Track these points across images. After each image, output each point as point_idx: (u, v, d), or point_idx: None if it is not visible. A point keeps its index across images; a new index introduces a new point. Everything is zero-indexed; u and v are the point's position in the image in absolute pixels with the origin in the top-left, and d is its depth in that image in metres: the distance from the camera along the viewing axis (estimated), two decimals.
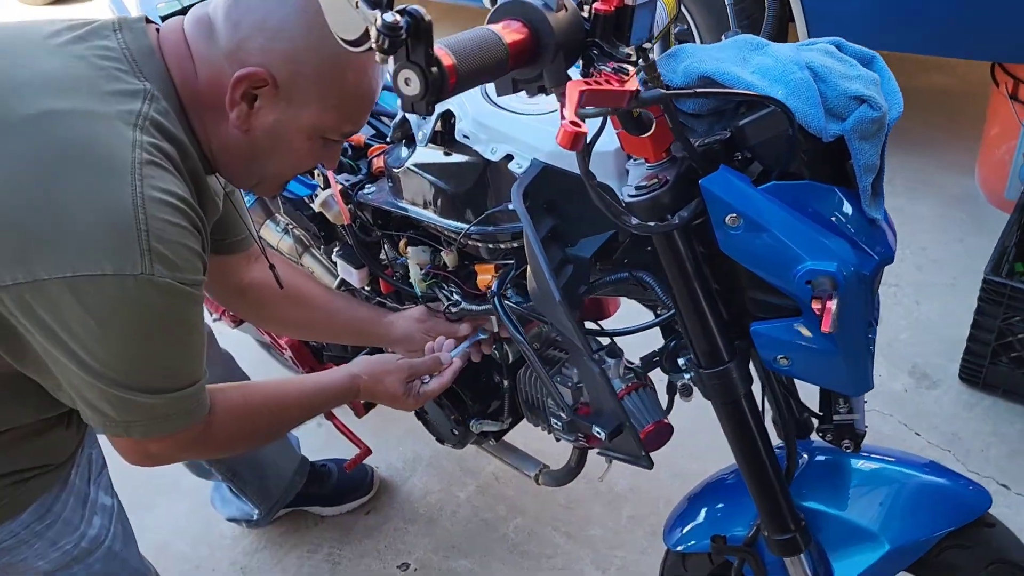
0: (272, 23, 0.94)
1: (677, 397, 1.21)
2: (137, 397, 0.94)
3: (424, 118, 1.25)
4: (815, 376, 1.02)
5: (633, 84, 0.74)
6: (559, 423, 1.42)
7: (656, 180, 0.93)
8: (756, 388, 1.06)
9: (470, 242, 1.24)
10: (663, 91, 0.76)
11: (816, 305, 0.87)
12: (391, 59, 0.60)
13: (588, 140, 0.83)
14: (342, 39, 0.62)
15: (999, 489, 1.76)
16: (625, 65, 0.78)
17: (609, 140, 1.07)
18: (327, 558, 1.89)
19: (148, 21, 1.02)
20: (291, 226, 1.75)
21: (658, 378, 1.22)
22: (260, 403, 1.18)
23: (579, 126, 0.65)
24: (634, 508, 1.88)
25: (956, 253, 2.31)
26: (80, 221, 0.85)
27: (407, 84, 0.61)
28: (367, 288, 1.58)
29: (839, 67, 0.90)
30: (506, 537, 1.87)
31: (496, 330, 1.41)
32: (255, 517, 1.87)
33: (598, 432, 1.14)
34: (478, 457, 2.06)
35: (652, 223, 0.89)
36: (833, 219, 0.92)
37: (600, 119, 0.85)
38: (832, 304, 0.86)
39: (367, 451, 1.74)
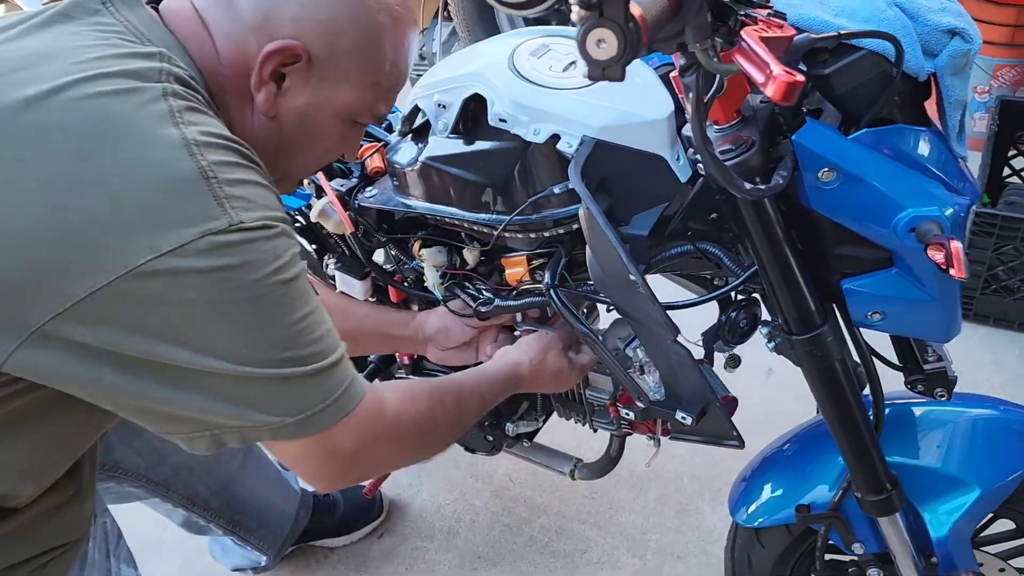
0: None
1: None
2: (295, 370, 0.78)
3: (442, 108, 1.15)
4: (908, 327, 0.99)
5: (790, 30, 0.67)
6: (603, 413, 1.36)
7: (742, 142, 0.88)
8: None
9: (506, 235, 1.15)
10: (811, 35, 0.70)
11: (934, 252, 0.83)
12: (578, 18, 0.51)
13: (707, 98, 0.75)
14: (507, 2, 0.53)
15: None
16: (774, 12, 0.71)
17: (661, 104, 1.02)
18: None
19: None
20: None
21: None
22: (429, 390, 1.02)
23: (793, 75, 0.58)
24: (659, 489, 1.84)
25: None
26: (138, 192, 0.71)
27: (600, 46, 0.53)
28: (371, 300, 1.47)
29: (924, 0, 0.86)
30: (533, 539, 1.80)
31: (530, 326, 1.33)
32: (263, 563, 1.74)
33: (683, 417, 1.08)
34: (487, 461, 1.97)
35: (762, 187, 0.83)
36: (926, 161, 0.89)
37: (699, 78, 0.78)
38: (956, 245, 0.81)
39: (387, 472, 1.63)
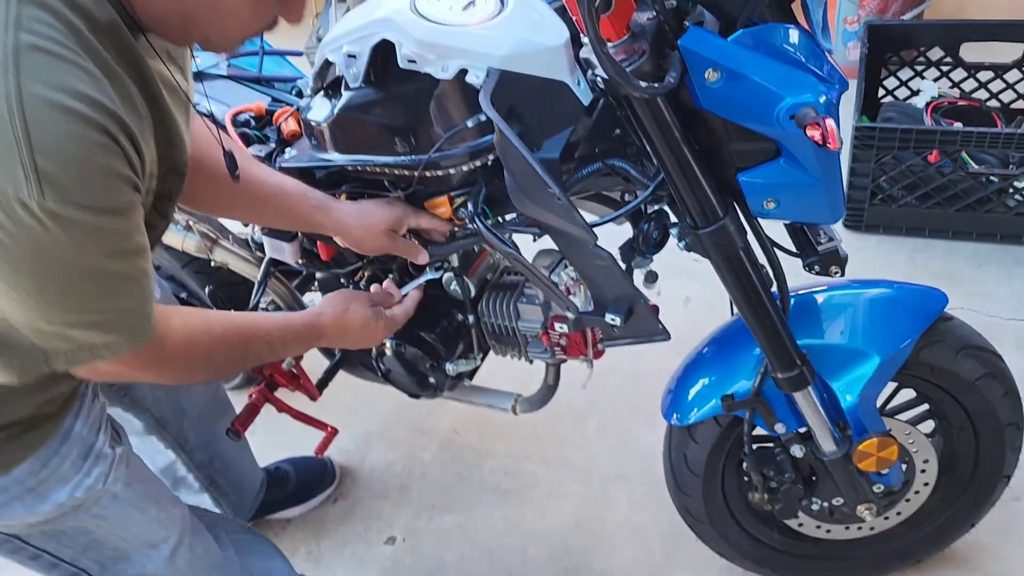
0: None
1: None
2: (59, 330, 0.82)
3: (352, 58, 1.19)
4: (800, 212, 1.09)
5: None
6: (536, 343, 1.43)
7: (634, 52, 0.96)
8: None
9: (427, 174, 1.21)
10: None
11: (812, 131, 0.92)
12: None
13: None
14: None
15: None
16: None
17: (557, 32, 1.09)
18: (307, 557, 1.80)
19: None
20: (192, 221, 1.63)
21: None
22: (222, 332, 1.08)
23: None
24: (598, 419, 1.93)
25: None
26: None
27: None
28: (301, 261, 1.50)
29: None
30: (483, 482, 1.87)
31: (456, 264, 1.39)
32: None
33: (612, 319, 1.16)
34: (430, 416, 2.03)
35: (656, 85, 0.91)
36: (797, 55, 0.98)
37: None
38: (830, 121, 0.91)
39: (334, 431, 1.66)
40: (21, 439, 0.98)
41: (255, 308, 1.60)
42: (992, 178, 1.93)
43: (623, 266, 1.23)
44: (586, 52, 1.02)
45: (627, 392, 1.96)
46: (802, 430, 1.27)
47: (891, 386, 1.38)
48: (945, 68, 2.21)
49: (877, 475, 1.28)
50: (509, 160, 1.08)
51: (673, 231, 1.13)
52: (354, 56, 1.19)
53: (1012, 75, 2.16)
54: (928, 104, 2.11)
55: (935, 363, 1.25)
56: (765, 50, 0.97)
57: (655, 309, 1.27)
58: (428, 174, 1.21)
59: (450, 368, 1.49)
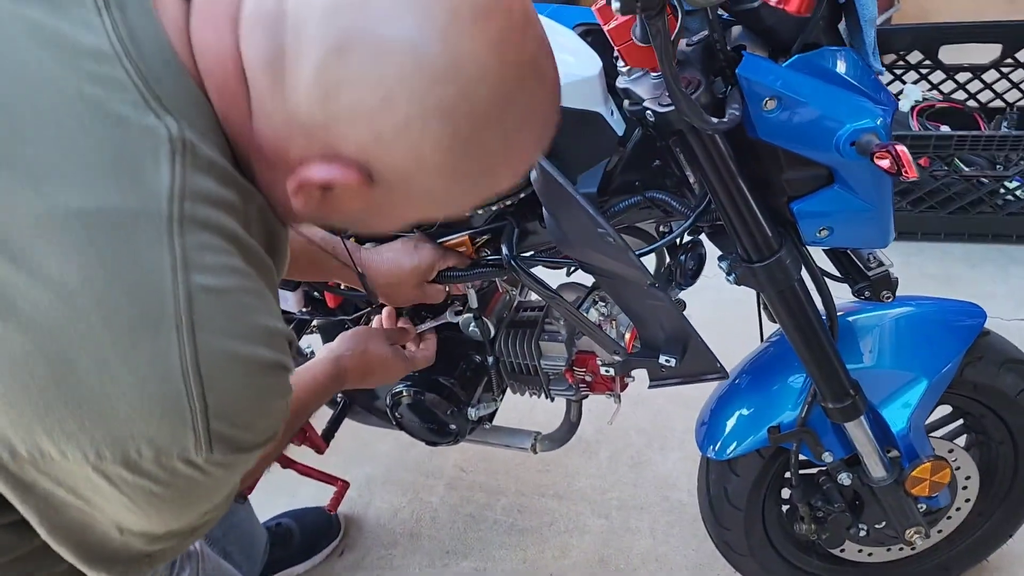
0: (386, 101, 0.57)
1: None
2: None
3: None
4: (852, 238, 1.05)
5: None
6: (559, 380, 1.37)
7: (688, 83, 0.91)
8: None
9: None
10: None
11: (880, 160, 0.89)
12: None
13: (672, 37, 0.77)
14: None
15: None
16: None
17: (591, 61, 1.03)
18: None
19: None
20: None
21: None
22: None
23: None
24: (609, 448, 1.88)
25: None
26: (108, 396, 0.55)
27: None
28: (305, 309, 1.42)
29: None
30: (497, 522, 1.79)
31: (475, 304, 1.32)
32: None
33: (666, 360, 1.11)
34: (433, 457, 1.95)
35: (725, 120, 0.86)
36: (851, 79, 0.94)
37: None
38: (901, 148, 0.87)
39: (345, 485, 1.58)
40: None
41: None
42: (983, 180, 1.93)
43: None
44: (622, 82, 0.97)
45: (636, 418, 1.91)
46: (848, 457, 1.24)
47: None
48: (924, 71, 2.22)
49: (928, 499, 1.25)
50: (549, 198, 1.02)
51: (722, 265, 1.08)
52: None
53: (989, 75, 2.18)
54: (913, 108, 2.11)
55: (978, 380, 1.23)
56: (821, 75, 0.92)
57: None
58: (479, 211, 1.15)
59: (472, 413, 1.42)
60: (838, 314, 1.23)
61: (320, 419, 1.54)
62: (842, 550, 1.38)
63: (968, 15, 2.66)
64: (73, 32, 0.56)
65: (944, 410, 1.35)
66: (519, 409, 1.69)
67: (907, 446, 1.20)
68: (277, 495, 1.91)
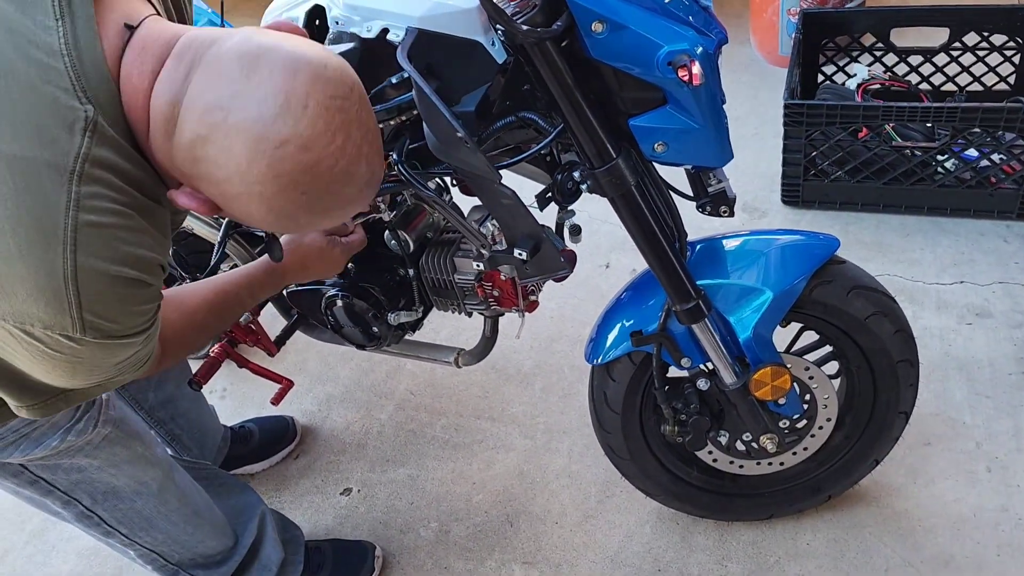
0: (227, 180, 0.83)
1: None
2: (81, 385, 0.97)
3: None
4: (687, 155, 1.19)
5: None
6: (472, 295, 1.54)
7: (526, 6, 1.08)
8: None
9: None
10: None
11: (682, 73, 1.05)
12: None
13: None
14: None
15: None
16: None
17: None
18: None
19: None
20: None
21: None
22: (203, 316, 1.23)
23: None
24: (544, 380, 2.04)
25: (753, 108, 2.63)
26: (11, 280, 0.81)
27: None
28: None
29: None
30: (435, 438, 1.98)
31: (387, 219, 1.50)
32: None
33: (519, 253, 1.27)
34: (388, 380, 2.14)
35: (539, 29, 1.03)
36: (675, 10, 1.10)
37: None
38: (695, 65, 1.03)
39: (289, 383, 1.77)
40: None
41: (215, 269, 1.71)
42: (916, 152, 2.04)
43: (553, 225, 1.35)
44: (509, 7, 1.13)
45: (572, 356, 2.08)
46: (708, 365, 1.38)
47: (796, 329, 1.50)
48: (878, 53, 2.33)
49: (776, 405, 1.39)
50: (423, 109, 1.19)
51: (576, 174, 1.24)
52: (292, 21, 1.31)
53: (941, 58, 2.28)
54: (859, 86, 2.23)
55: (827, 302, 1.36)
56: (646, 4, 1.08)
57: (570, 254, 1.39)
58: None
59: (391, 318, 1.60)
60: (704, 240, 1.40)
61: (276, 327, 1.75)
62: (715, 460, 1.53)
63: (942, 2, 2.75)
64: (34, 29, 0.81)
65: (814, 339, 1.48)
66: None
67: (753, 353, 1.34)
68: (247, 406, 2.14)
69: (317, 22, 1.29)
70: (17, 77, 0.79)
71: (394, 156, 1.29)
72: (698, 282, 1.32)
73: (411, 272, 1.58)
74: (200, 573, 1.53)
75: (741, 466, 1.53)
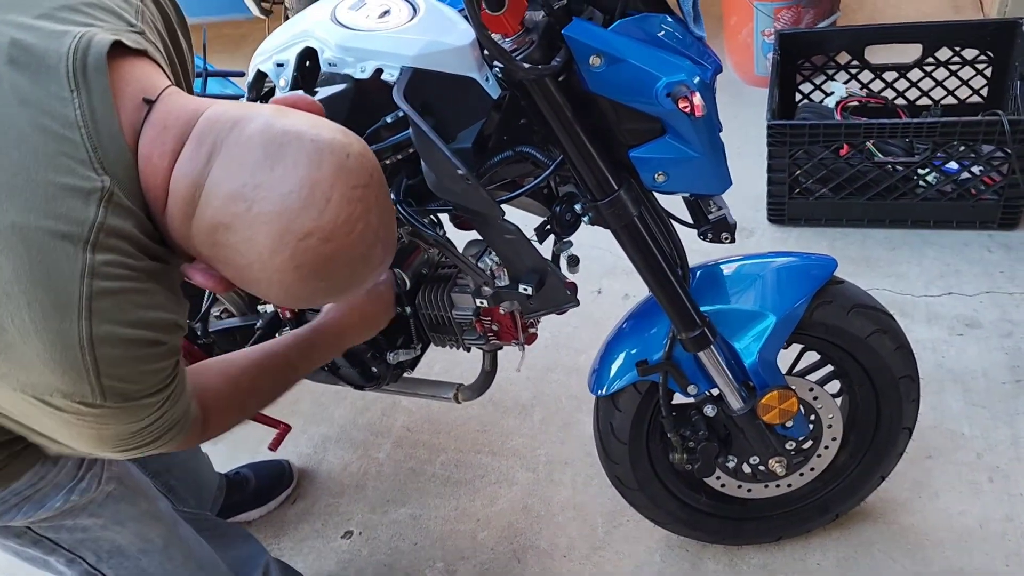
0: (246, 267, 0.84)
1: None
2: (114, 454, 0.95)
3: (280, 67, 1.30)
4: (687, 183, 1.20)
5: None
6: (471, 330, 1.53)
7: (524, 43, 1.08)
8: None
9: None
10: None
11: (683, 104, 1.05)
12: None
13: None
14: None
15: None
16: None
17: (464, 34, 1.21)
18: None
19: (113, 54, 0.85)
20: None
21: None
22: (249, 384, 1.20)
23: None
24: (542, 411, 2.03)
25: (733, 129, 2.61)
26: (27, 354, 0.80)
27: None
28: None
29: None
30: (435, 475, 1.95)
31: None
32: None
33: (525, 288, 1.27)
34: (384, 418, 2.11)
35: (540, 66, 1.03)
36: (671, 41, 1.11)
37: None
38: (696, 96, 1.04)
39: (287, 427, 1.75)
40: (21, 456, 1.05)
41: (206, 315, 1.69)
42: (898, 167, 2.07)
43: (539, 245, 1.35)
44: (504, 45, 1.14)
45: (569, 385, 2.07)
46: (714, 392, 1.38)
47: (797, 350, 1.50)
48: (854, 71, 2.37)
49: (783, 428, 1.39)
50: (422, 148, 1.19)
51: (578, 207, 1.24)
52: (282, 65, 1.30)
53: (915, 74, 2.32)
54: (838, 104, 2.26)
55: (828, 322, 1.36)
56: (642, 37, 1.09)
57: (572, 286, 1.39)
58: None
59: (390, 357, 1.58)
60: (705, 265, 1.40)
61: None
62: (723, 485, 1.52)
63: (912, 18, 2.82)
64: (48, 100, 0.80)
65: (815, 359, 1.49)
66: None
67: (759, 378, 1.34)
68: (240, 451, 2.10)
69: (308, 63, 1.28)
70: (32, 148, 0.78)
71: (392, 196, 1.28)
72: (701, 308, 1.32)
73: (408, 309, 1.57)
74: None
75: (749, 490, 1.53)
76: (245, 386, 1.20)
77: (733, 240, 1.29)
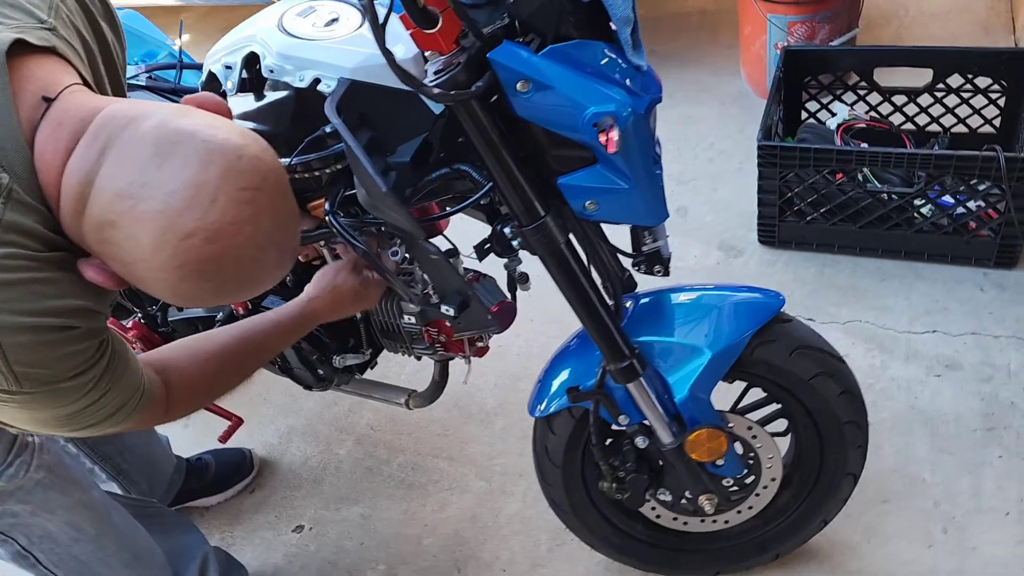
0: (132, 264, 0.85)
1: None
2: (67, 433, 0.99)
3: (228, 69, 1.30)
4: (619, 214, 1.16)
5: None
6: (420, 340, 1.52)
7: (451, 64, 1.06)
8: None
9: (297, 176, 1.31)
10: None
11: (602, 138, 1.02)
12: None
13: (380, 21, 0.93)
14: None
15: (807, 323, 2.02)
16: None
17: (408, 48, 1.19)
18: (220, 543, 1.89)
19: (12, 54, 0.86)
20: None
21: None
22: (216, 366, 1.21)
23: None
24: (505, 420, 2.01)
25: (738, 142, 2.59)
26: None
27: None
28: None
29: None
30: (391, 476, 1.95)
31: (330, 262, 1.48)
32: None
33: (447, 310, 1.25)
34: (351, 414, 2.12)
35: (452, 92, 1.00)
36: (605, 70, 1.07)
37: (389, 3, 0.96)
38: (613, 132, 1.01)
39: (238, 421, 1.77)
40: None
41: (165, 304, 1.70)
42: (893, 196, 2.00)
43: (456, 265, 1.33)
44: (435, 64, 1.12)
45: None
46: (646, 422, 1.35)
47: (743, 385, 1.46)
48: (862, 92, 2.29)
49: (713, 466, 1.35)
50: (352, 162, 1.17)
51: (507, 230, 1.22)
52: (230, 67, 1.30)
53: (925, 99, 2.23)
54: (839, 126, 2.18)
55: (771, 361, 1.32)
56: (574, 64, 1.06)
57: (510, 308, 1.37)
58: (307, 175, 1.31)
59: (337, 361, 1.58)
60: (653, 293, 1.37)
61: None
62: (659, 516, 1.49)
63: (943, 42, 2.72)
64: None
65: (763, 396, 1.45)
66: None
67: (689, 413, 1.30)
68: (208, 436, 2.12)
69: (258, 66, 1.28)
70: None
71: (327, 208, 1.27)
72: (638, 338, 1.29)
73: (359, 315, 1.57)
74: None
75: (685, 523, 1.50)
76: (213, 370, 1.20)
77: (666, 273, 1.26)
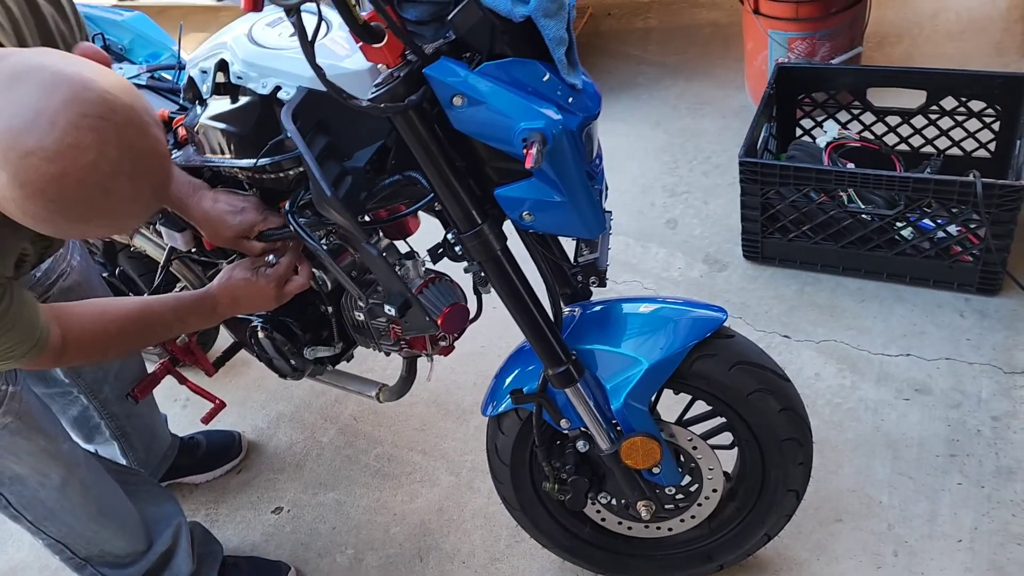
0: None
1: None
2: None
3: (204, 74, 1.38)
4: (554, 226, 1.22)
5: None
6: (387, 336, 1.59)
7: (391, 78, 1.12)
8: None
9: (265, 176, 1.39)
10: None
11: (526, 152, 1.08)
12: None
13: (310, 37, 1.00)
14: None
15: (782, 340, 2.04)
16: None
17: (359, 61, 1.26)
18: (204, 519, 1.99)
19: None
20: None
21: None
22: (117, 328, 1.31)
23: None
24: (479, 419, 2.03)
25: (735, 157, 2.58)
26: None
27: None
28: (193, 250, 1.70)
29: None
30: (368, 466, 2.03)
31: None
32: None
33: (389, 310, 1.32)
34: (336, 404, 2.20)
35: (383, 104, 1.07)
36: (540, 87, 1.12)
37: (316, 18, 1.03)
38: (533, 148, 1.06)
39: (221, 404, 1.86)
40: None
41: (157, 290, 1.80)
42: (874, 217, 2.01)
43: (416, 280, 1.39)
44: (380, 77, 1.18)
45: None
46: (586, 428, 1.40)
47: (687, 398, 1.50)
48: (856, 111, 2.30)
49: (650, 473, 1.40)
50: (304, 165, 1.25)
51: (450, 236, 1.28)
52: (205, 72, 1.38)
53: (918, 120, 2.23)
54: (828, 144, 2.20)
55: (710, 375, 1.36)
56: (508, 81, 1.11)
57: (463, 311, 1.42)
58: (274, 176, 1.39)
59: (308, 352, 1.66)
60: (602, 302, 1.41)
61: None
62: (603, 520, 1.54)
63: (955, 63, 2.70)
64: None
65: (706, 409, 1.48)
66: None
67: (624, 421, 1.35)
68: (199, 417, 2.22)
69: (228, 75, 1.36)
70: None
71: (287, 207, 1.35)
72: (580, 346, 1.34)
73: (330, 309, 1.64)
74: (108, 572, 1.61)
75: (630, 527, 1.54)
76: (112, 332, 1.31)
77: (603, 284, 1.31)
